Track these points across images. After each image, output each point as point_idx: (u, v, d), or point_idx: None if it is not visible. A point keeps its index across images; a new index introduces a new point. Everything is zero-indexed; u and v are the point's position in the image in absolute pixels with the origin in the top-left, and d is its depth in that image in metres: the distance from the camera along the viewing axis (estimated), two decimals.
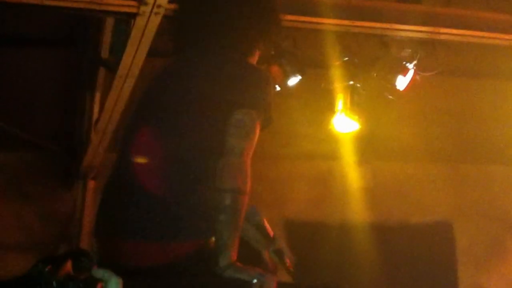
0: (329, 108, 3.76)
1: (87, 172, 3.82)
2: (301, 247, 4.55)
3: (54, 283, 1.31)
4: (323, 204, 4.64)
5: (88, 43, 3.12)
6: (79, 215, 3.94)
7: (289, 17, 2.78)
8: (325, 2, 2.91)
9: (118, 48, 2.55)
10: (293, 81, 3.44)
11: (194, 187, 1.80)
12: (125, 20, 2.49)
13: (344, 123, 3.80)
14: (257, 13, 1.95)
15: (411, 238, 4.75)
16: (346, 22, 3.01)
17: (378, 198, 4.61)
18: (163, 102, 1.89)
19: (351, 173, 4.48)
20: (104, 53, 2.93)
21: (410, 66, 3.45)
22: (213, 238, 1.78)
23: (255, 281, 1.76)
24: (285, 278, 2.01)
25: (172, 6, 2.23)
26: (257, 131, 1.83)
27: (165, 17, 2.34)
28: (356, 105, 3.67)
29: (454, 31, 3.10)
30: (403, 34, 3.17)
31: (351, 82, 3.57)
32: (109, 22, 2.80)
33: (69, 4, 2.33)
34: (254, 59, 1.98)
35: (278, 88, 3.30)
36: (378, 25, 3.09)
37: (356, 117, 3.71)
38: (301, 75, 3.45)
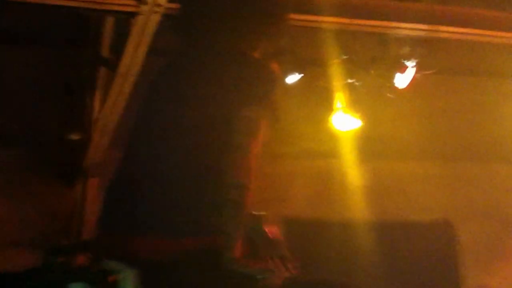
0: (328, 106, 3.78)
1: (88, 169, 3.85)
2: (300, 245, 4.56)
3: (70, 274, 1.33)
4: (322, 202, 4.65)
5: (88, 42, 3.13)
6: (81, 212, 3.96)
7: (288, 14, 2.78)
8: (324, 0, 2.92)
9: None
10: (292, 79, 3.45)
11: (203, 182, 1.82)
12: (125, 19, 2.51)
13: (343, 121, 3.81)
14: (261, 10, 1.96)
15: (410, 237, 4.76)
16: (345, 20, 3.02)
17: (377, 196, 4.62)
18: (170, 100, 1.91)
19: (351, 171, 4.48)
20: (105, 51, 2.95)
21: (409, 64, 3.46)
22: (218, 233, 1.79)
23: (259, 276, 1.78)
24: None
25: (172, 5, 2.24)
26: (264, 128, 1.84)
27: (164, 15, 2.35)
28: (355, 103, 3.68)
29: (453, 29, 3.11)
30: (402, 32, 3.18)
31: (350, 80, 3.58)
32: (109, 21, 2.82)
33: (69, 3, 2.35)
34: (259, 55, 1.98)
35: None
36: (377, 23, 3.10)
37: (355, 115, 3.73)
38: (300, 73, 3.47)
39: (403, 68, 3.44)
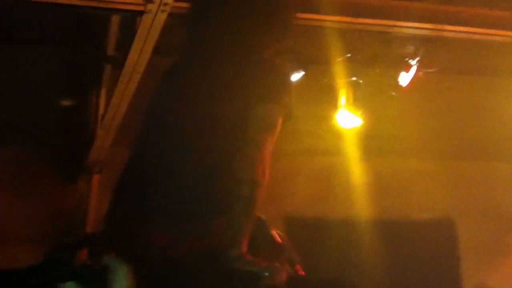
0: (331, 104, 3.79)
1: (93, 166, 3.86)
2: (302, 243, 4.56)
3: (69, 271, 1.34)
4: (324, 200, 4.66)
5: (94, 40, 3.14)
6: (85, 209, 3.98)
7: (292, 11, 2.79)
8: None
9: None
10: (296, 77, 3.47)
11: (215, 179, 1.83)
12: (131, 18, 2.52)
13: (347, 119, 3.83)
14: (269, 11, 1.97)
15: (411, 234, 4.77)
16: (348, 19, 3.03)
17: (379, 194, 4.63)
18: (181, 97, 1.92)
19: (353, 168, 4.49)
20: (110, 50, 2.96)
21: (413, 63, 3.48)
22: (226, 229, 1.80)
23: (266, 274, 1.79)
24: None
25: (179, 4, 2.26)
26: (279, 125, 1.85)
27: (171, 14, 2.36)
28: (358, 101, 3.70)
29: (457, 28, 3.12)
30: (405, 31, 3.18)
31: (354, 78, 3.60)
32: (115, 19, 2.83)
33: (76, 2, 2.36)
34: (269, 55, 2.00)
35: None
36: (380, 22, 3.11)
37: (359, 113, 3.74)
38: (304, 71, 3.48)
39: (406, 67, 3.46)
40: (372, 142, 4.33)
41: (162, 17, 2.38)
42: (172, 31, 2.44)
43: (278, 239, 2.05)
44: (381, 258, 4.46)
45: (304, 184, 4.61)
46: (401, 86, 3.56)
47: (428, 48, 3.43)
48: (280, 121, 1.87)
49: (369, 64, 3.55)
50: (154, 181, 1.85)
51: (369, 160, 4.51)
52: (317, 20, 2.98)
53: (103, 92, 3.35)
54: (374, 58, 3.52)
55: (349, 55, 3.44)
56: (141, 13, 2.39)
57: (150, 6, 2.33)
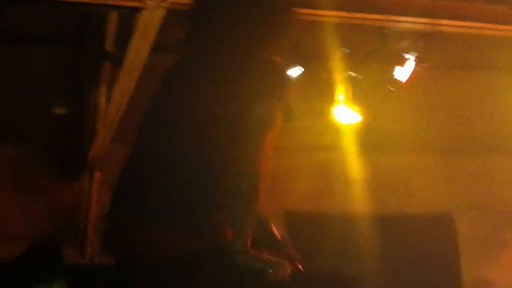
0: (329, 99, 3.79)
1: (93, 163, 3.86)
2: (301, 238, 4.58)
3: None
4: (323, 195, 4.67)
5: (93, 36, 3.14)
6: (85, 206, 3.98)
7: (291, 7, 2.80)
8: None
9: None
10: (295, 72, 3.48)
11: (217, 174, 1.84)
12: (130, 14, 2.52)
13: (345, 114, 3.84)
14: (269, 11, 1.98)
15: (410, 229, 4.78)
16: (346, 14, 3.04)
17: (377, 189, 4.63)
18: (182, 96, 1.93)
19: (351, 164, 4.49)
20: (109, 46, 2.97)
21: (410, 57, 3.49)
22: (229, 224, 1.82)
23: (270, 269, 1.80)
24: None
25: (177, 0, 2.26)
26: (279, 120, 1.86)
27: (169, 10, 2.37)
28: (357, 96, 3.70)
29: (454, 22, 3.13)
30: (403, 25, 3.19)
31: (352, 73, 3.60)
32: (114, 15, 2.83)
33: None
34: (268, 54, 2.01)
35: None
36: (377, 17, 3.12)
37: (357, 108, 3.75)
38: (301, 66, 3.49)
39: (404, 62, 3.47)
40: (371, 138, 4.33)
41: (160, 14, 2.38)
42: (171, 27, 2.45)
43: (278, 235, 2.06)
44: (380, 253, 4.47)
45: (302, 179, 4.61)
46: (399, 81, 3.56)
47: (426, 43, 3.44)
48: (280, 116, 1.88)
49: (367, 60, 3.56)
50: (155, 180, 1.86)
51: (367, 155, 4.51)
52: (315, 15, 2.99)
53: (102, 89, 3.35)
54: (372, 53, 3.53)
55: (347, 50, 3.45)
56: (139, 9, 2.39)
57: (148, 2, 2.34)
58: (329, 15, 3.02)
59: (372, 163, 4.62)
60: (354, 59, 3.54)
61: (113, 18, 2.85)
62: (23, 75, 3.48)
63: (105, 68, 3.25)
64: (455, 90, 4.28)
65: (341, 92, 3.74)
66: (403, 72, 3.57)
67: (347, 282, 1.97)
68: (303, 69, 3.51)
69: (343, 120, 3.90)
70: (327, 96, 3.80)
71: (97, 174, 3.91)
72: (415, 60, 3.50)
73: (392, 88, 3.64)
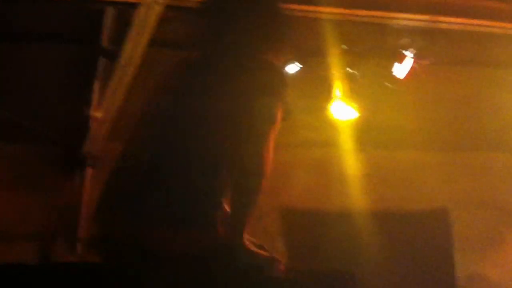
0: (327, 95, 3.78)
1: (86, 160, 3.84)
2: (298, 234, 4.59)
3: None
4: (321, 192, 4.66)
5: (89, 32, 3.11)
6: (79, 203, 3.96)
7: (289, 5, 2.79)
8: None
9: None
10: (293, 69, 3.46)
11: (219, 171, 1.85)
12: (126, 10, 2.49)
13: (342, 111, 3.83)
14: (268, 20, 2.03)
15: (408, 225, 4.79)
16: (344, 10, 3.03)
17: (375, 185, 4.63)
18: (186, 94, 1.94)
19: (349, 160, 4.49)
20: (105, 42, 2.93)
21: (409, 54, 3.47)
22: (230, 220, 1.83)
23: (265, 265, 1.80)
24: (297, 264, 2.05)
25: None
26: (279, 117, 1.89)
27: (166, 7, 2.34)
28: (355, 92, 3.69)
29: (453, 19, 3.12)
30: (401, 22, 3.18)
31: (350, 70, 3.59)
32: (110, 11, 2.80)
33: None
34: (270, 56, 2.03)
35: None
36: (376, 13, 3.11)
37: (354, 104, 3.74)
38: (300, 63, 3.47)
39: (402, 59, 3.45)
40: (369, 134, 4.33)
41: (157, 10, 2.35)
42: (168, 23, 2.42)
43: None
44: (378, 249, 4.48)
45: (300, 176, 4.61)
46: (397, 77, 3.55)
47: (424, 39, 3.43)
48: (279, 114, 1.90)
49: (365, 56, 3.54)
50: (158, 176, 1.86)
51: (365, 151, 4.51)
52: (313, 11, 2.97)
53: (97, 86, 3.32)
54: (370, 49, 3.51)
55: (345, 47, 3.43)
56: (136, 5, 2.36)
57: None
58: (328, 12, 3.00)
59: (369, 160, 4.61)
60: (352, 56, 3.52)
61: (110, 14, 2.82)
62: (18, 72, 3.45)
63: (100, 65, 3.22)
64: (454, 86, 4.27)
65: (338, 89, 3.73)
66: (401, 69, 3.56)
67: (344, 278, 1.97)
68: (301, 66, 3.49)
69: (340, 117, 3.89)
70: (325, 92, 3.78)
71: (91, 171, 3.89)
72: (413, 57, 3.48)
73: (390, 85, 3.63)
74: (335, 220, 4.58)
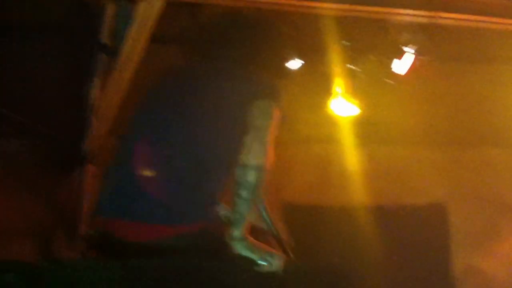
0: (329, 92, 3.78)
1: (86, 157, 3.83)
2: (298, 230, 4.59)
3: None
4: (321, 187, 4.68)
5: (88, 29, 3.09)
6: (79, 200, 3.95)
7: (290, 1, 2.79)
8: None
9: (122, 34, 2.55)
10: (294, 65, 3.46)
11: (220, 167, 1.89)
12: (126, 5, 2.48)
13: (343, 107, 3.83)
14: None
15: (407, 220, 4.81)
16: (345, 6, 3.01)
17: (375, 181, 4.65)
18: (186, 95, 1.99)
19: (349, 156, 4.51)
20: (105, 38, 2.92)
21: (409, 50, 3.47)
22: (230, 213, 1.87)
23: (265, 263, 1.81)
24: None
25: None
26: (277, 117, 1.97)
27: (168, 2, 2.33)
28: (355, 89, 3.69)
29: (454, 15, 3.11)
30: (402, 18, 3.17)
31: (351, 66, 3.59)
32: (110, 7, 2.79)
33: None
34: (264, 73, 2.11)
35: (285, 68, 3.30)
36: (377, 9, 3.09)
37: (355, 101, 3.74)
38: (301, 59, 3.47)
39: (403, 55, 3.45)
40: (368, 130, 4.34)
41: (158, 5, 2.34)
42: (169, 19, 2.41)
43: (274, 221, 2.11)
44: (376, 243, 4.50)
45: (300, 172, 4.62)
46: (397, 74, 3.55)
47: (425, 36, 3.42)
48: (276, 113, 1.98)
49: (365, 52, 3.54)
50: (157, 174, 1.86)
51: (365, 147, 4.53)
52: (314, 7, 2.96)
53: (96, 81, 3.30)
54: (370, 46, 3.51)
55: (346, 43, 3.43)
56: (136, 0, 2.35)
57: None
58: (329, 8, 2.99)
59: (369, 155, 4.63)
60: (353, 52, 3.52)
61: (110, 10, 2.80)
62: (14, 67, 3.44)
63: (100, 61, 3.20)
64: (454, 82, 4.28)
65: (339, 85, 3.73)
66: (401, 65, 3.55)
67: (344, 272, 1.98)
68: (302, 62, 3.49)
69: (341, 113, 3.89)
70: (326, 89, 3.79)
71: (91, 168, 3.88)
72: (414, 53, 3.48)
73: (390, 81, 3.63)
74: (335, 216, 4.60)
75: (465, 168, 4.97)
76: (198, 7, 2.91)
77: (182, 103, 1.98)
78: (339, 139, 4.32)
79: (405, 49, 3.48)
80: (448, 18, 3.12)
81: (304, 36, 3.39)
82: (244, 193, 1.85)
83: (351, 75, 3.65)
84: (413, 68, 3.52)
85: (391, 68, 3.56)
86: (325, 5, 2.99)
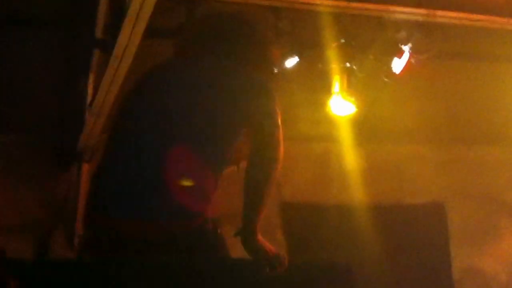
0: (326, 90, 3.77)
1: (81, 153, 3.82)
2: (298, 228, 4.59)
3: None
4: (320, 186, 4.67)
5: (82, 23, 3.07)
6: (75, 196, 3.93)
7: None
8: None
9: None
10: (291, 62, 3.45)
11: (210, 171, 1.90)
12: None
13: (341, 106, 3.81)
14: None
15: (405, 218, 4.80)
16: (343, 3, 3.01)
17: (373, 179, 4.64)
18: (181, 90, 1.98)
19: (347, 154, 4.51)
20: (99, 33, 2.90)
21: (406, 48, 3.46)
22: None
23: (270, 264, 1.79)
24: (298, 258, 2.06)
25: None
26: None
27: None
28: (353, 87, 3.68)
29: (450, 13, 3.11)
30: (399, 16, 3.17)
31: (348, 64, 3.58)
32: (104, 1, 2.76)
33: None
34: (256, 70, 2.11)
35: (275, 70, 3.31)
36: (374, 6, 3.09)
37: (353, 99, 3.73)
38: (299, 56, 3.46)
39: (400, 52, 3.44)
40: (367, 128, 4.34)
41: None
42: (165, 13, 2.39)
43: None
44: (375, 242, 4.49)
45: (299, 170, 4.61)
46: (394, 72, 3.54)
47: (422, 33, 3.42)
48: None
49: (363, 50, 3.54)
50: (150, 170, 1.85)
51: (363, 145, 4.53)
52: (311, 4, 2.95)
53: (91, 78, 3.28)
54: (368, 43, 3.50)
55: (343, 40, 3.42)
56: None
57: None
58: (327, 5, 2.99)
59: (368, 153, 4.63)
60: (350, 50, 3.51)
61: (104, 3, 2.78)
62: (9, 62, 3.43)
63: (94, 56, 3.18)
64: (450, 81, 4.28)
65: (337, 83, 3.72)
66: (398, 63, 3.55)
67: (342, 270, 1.97)
68: (300, 59, 3.48)
69: (339, 111, 3.88)
70: (324, 86, 3.78)
71: (86, 166, 3.86)
72: (410, 51, 3.47)
73: (387, 79, 3.62)
74: (334, 213, 4.59)
75: (464, 166, 4.96)
76: (194, 1, 2.90)
77: (176, 97, 1.96)
78: (337, 137, 4.31)
79: (402, 47, 3.47)
80: (445, 16, 3.12)
81: (301, 33, 3.38)
82: (261, 187, 1.85)
83: (349, 73, 3.64)
84: (409, 66, 3.51)
85: (388, 66, 3.55)
86: (323, 1, 2.98)
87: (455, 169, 4.93)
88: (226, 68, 2.01)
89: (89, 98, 3.33)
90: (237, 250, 1.93)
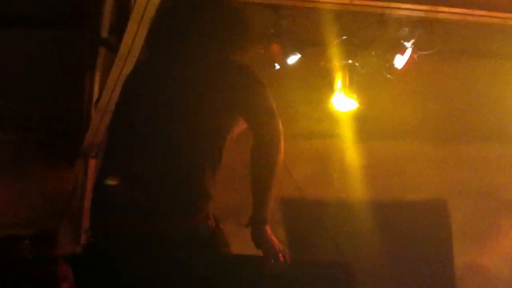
0: (328, 86, 3.79)
1: (88, 150, 3.85)
2: (299, 225, 4.61)
3: None
4: (320, 182, 4.68)
5: (88, 22, 3.11)
6: (81, 193, 3.97)
7: None
8: None
9: None
10: (293, 59, 3.47)
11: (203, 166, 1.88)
12: None
13: (343, 102, 3.83)
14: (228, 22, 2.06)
15: (406, 216, 4.81)
16: (345, 0, 3.02)
17: (374, 176, 4.65)
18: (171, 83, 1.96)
19: (349, 151, 4.51)
20: (104, 32, 2.93)
21: (408, 45, 3.47)
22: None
23: (272, 260, 1.81)
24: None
25: None
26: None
27: None
28: (355, 84, 3.69)
29: (452, 10, 3.11)
30: (401, 12, 3.17)
31: (350, 61, 3.59)
32: (109, 1, 2.80)
33: None
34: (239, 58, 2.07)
35: (277, 67, 3.34)
36: (376, 3, 3.09)
37: (355, 96, 3.74)
38: (300, 53, 3.47)
39: (402, 49, 3.45)
40: (368, 125, 4.34)
41: None
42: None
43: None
44: (376, 239, 4.50)
45: (300, 166, 4.61)
46: (396, 68, 3.55)
47: (424, 30, 3.43)
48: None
49: (364, 47, 3.54)
50: (155, 174, 1.87)
51: (364, 142, 4.52)
52: (313, 2, 2.96)
53: (97, 76, 3.32)
54: (369, 40, 3.51)
55: (345, 37, 3.43)
56: None
57: None
58: (329, 2, 3.00)
59: (369, 150, 4.63)
60: (352, 46, 3.52)
61: (109, 3, 2.81)
62: (17, 60, 3.46)
63: (100, 54, 3.21)
64: (452, 77, 4.28)
65: (339, 80, 3.73)
66: (400, 60, 3.56)
67: (343, 267, 1.98)
68: (301, 56, 3.49)
69: (340, 108, 3.90)
70: (325, 83, 3.79)
71: (92, 162, 3.90)
72: (412, 48, 3.49)
73: (389, 76, 3.64)
74: (335, 210, 4.60)
75: (465, 163, 4.96)
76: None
77: (162, 95, 1.96)
78: (338, 134, 4.32)
79: (404, 43, 3.48)
80: (446, 12, 3.12)
81: (304, 30, 3.40)
82: (268, 176, 1.86)
83: (350, 70, 3.65)
84: (412, 63, 3.53)
85: (390, 63, 3.56)
86: None
87: (456, 166, 4.93)
88: (203, 55, 1.98)
89: (95, 96, 3.37)
90: (238, 246, 1.94)
